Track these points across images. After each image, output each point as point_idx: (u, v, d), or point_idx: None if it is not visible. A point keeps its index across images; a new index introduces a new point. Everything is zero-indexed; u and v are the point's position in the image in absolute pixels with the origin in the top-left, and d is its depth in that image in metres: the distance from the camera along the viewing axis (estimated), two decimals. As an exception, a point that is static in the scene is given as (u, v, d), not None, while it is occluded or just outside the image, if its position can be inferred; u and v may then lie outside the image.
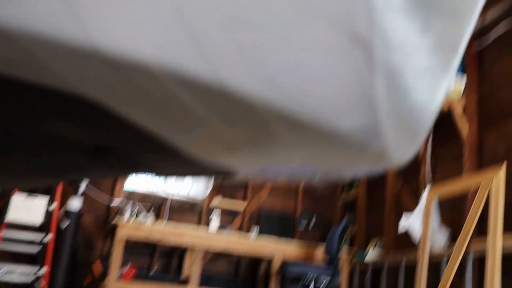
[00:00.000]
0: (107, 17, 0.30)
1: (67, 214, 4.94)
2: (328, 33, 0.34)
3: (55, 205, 5.00)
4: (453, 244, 3.70)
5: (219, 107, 0.37)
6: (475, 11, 0.54)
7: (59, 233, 4.97)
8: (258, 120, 0.38)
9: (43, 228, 4.98)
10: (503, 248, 3.23)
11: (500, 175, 3.38)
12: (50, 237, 4.96)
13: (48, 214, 4.98)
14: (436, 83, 0.53)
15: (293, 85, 0.35)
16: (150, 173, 0.65)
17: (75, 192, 4.94)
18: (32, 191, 4.93)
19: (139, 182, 5.82)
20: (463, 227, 3.57)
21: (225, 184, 6.21)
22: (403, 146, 0.49)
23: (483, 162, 4.01)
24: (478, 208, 3.45)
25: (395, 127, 0.45)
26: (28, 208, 4.88)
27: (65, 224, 4.90)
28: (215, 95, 0.35)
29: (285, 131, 0.40)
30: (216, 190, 6.12)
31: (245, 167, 0.56)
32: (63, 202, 5.09)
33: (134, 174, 0.70)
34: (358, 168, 0.53)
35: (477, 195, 3.53)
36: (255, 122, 0.38)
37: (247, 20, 0.32)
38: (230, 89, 0.34)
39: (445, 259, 3.88)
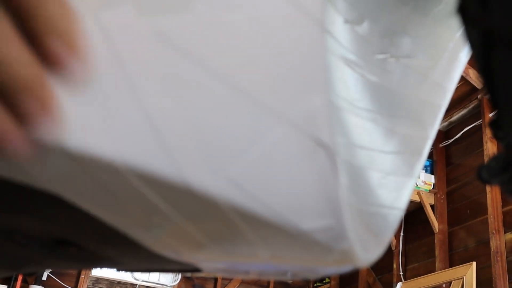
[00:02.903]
0: (74, 117, 0.30)
1: (26, 304, 4.68)
2: (291, 136, 0.34)
3: (14, 294, 4.75)
4: None
5: (183, 205, 0.37)
6: (438, 117, 0.56)
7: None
8: (222, 219, 0.38)
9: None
10: None
11: (469, 274, 3.37)
12: (5, 329, 4.66)
13: (6, 304, 4.71)
14: (400, 184, 0.54)
15: (256, 186, 0.35)
16: (113, 268, 0.63)
17: (36, 281, 4.72)
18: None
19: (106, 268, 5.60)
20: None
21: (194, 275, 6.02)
22: (369, 246, 0.49)
23: (454, 258, 4.00)
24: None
25: (360, 228, 0.46)
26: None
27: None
28: (179, 194, 0.35)
29: (249, 230, 0.40)
30: (186, 279, 5.92)
31: (210, 264, 0.55)
32: (22, 291, 4.84)
33: (96, 268, 0.68)
34: (324, 268, 0.52)
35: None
36: (219, 220, 0.38)
37: (211, 123, 0.33)
38: (194, 188, 0.34)
39: None
